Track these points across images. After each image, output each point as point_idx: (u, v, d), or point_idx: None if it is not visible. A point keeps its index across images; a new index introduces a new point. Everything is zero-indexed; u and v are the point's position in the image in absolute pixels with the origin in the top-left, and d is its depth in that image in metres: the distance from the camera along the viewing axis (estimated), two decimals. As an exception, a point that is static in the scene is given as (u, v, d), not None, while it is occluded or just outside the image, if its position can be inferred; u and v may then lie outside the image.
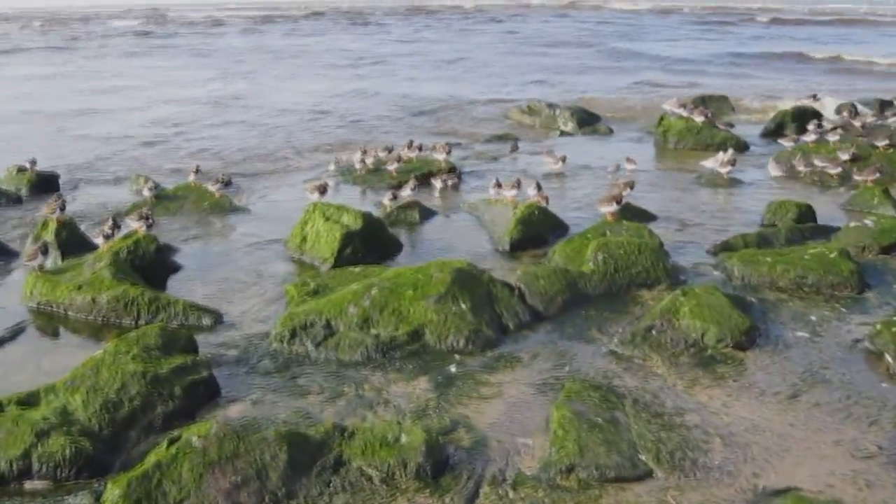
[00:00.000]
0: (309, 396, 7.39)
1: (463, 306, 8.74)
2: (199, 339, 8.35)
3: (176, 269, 10.95)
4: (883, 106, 24.33)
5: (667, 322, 8.48)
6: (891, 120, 19.98)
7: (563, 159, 16.54)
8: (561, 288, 9.50)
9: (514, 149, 19.06)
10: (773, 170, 16.17)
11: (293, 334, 8.43)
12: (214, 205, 13.82)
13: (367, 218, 11.44)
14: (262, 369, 7.95)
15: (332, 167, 16.83)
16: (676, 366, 7.90)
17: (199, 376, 7.35)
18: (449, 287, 8.88)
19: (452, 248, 11.67)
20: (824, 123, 18.46)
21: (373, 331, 8.48)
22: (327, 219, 11.36)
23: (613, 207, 12.04)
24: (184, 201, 13.94)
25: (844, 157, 15.89)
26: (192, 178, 14.84)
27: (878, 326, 8.29)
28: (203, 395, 7.30)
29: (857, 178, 15.08)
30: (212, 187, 14.07)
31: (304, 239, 11.44)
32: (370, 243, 11.25)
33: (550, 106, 25.05)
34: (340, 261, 10.78)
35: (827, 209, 13.26)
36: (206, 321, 9.09)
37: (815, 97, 22.93)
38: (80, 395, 6.76)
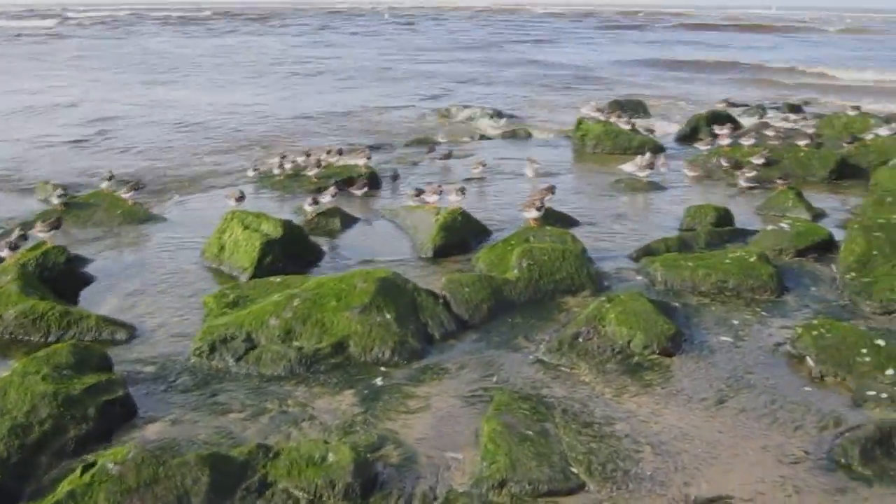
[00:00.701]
0: (230, 414, 7.11)
1: (388, 316, 8.57)
2: (114, 355, 7.96)
3: (88, 281, 10.48)
4: (792, 109, 25.07)
5: (593, 329, 8.44)
6: (801, 124, 20.55)
7: (483, 164, 16.60)
8: (486, 296, 9.39)
9: (431, 150, 18.94)
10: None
11: (212, 348, 8.13)
12: (128, 213, 13.30)
13: (287, 226, 11.16)
14: (181, 386, 7.63)
15: (250, 173, 16.44)
16: (604, 373, 7.86)
17: (115, 396, 7.00)
18: (373, 297, 8.70)
19: (375, 255, 11.46)
20: (723, 131, 18.82)
21: (295, 343, 8.23)
22: (246, 227, 11.05)
23: (535, 213, 12.02)
24: (96, 209, 13.36)
25: (758, 160, 16.21)
26: (104, 184, 14.29)
27: (799, 330, 8.39)
28: (119, 415, 6.96)
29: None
30: (125, 194, 13.59)
31: (221, 248, 11.10)
32: (291, 251, 10.98)
33: (468, 109, 25.13)
34: (260, 270, 10.47)
35: (743, 213, 13.50)
36: (121, 336, 8.70)
37: (728, 102, 23.46)
38: (-15, 420, 6.38)
